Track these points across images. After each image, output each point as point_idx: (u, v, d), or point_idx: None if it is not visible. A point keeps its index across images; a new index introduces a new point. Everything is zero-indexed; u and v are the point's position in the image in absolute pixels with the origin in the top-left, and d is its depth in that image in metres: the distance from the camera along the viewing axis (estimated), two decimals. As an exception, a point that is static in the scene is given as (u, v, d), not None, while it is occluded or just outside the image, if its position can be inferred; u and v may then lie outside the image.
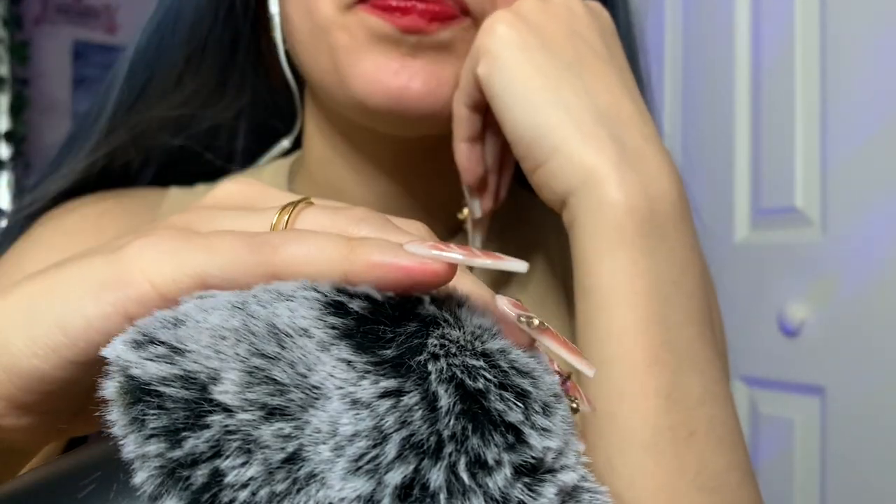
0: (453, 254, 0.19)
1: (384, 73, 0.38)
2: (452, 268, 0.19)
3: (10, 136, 2.28)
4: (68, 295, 0.20)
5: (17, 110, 2.29)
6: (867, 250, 1.02)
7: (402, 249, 0.19)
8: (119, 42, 2.42)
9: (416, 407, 0.17)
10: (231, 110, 0.49)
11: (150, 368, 0.18)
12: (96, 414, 0.19)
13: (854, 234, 1.03)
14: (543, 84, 0.36)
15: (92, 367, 0.21)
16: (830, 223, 1.06)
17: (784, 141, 1.13)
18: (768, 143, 1.16)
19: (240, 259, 0.20)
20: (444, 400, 0.18)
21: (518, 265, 0.20)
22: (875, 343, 1.00)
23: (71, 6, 2.42)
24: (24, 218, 0.47)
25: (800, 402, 1.10)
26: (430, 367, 0.18)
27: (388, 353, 0.18)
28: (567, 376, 0.22)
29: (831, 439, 1.05)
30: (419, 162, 0.44)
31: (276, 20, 0.44)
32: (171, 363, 0.18)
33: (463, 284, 0.21)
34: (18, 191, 2.25)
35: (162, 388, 0.17)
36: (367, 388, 0.17)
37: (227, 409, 0.17)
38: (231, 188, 0.25)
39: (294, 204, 0.22)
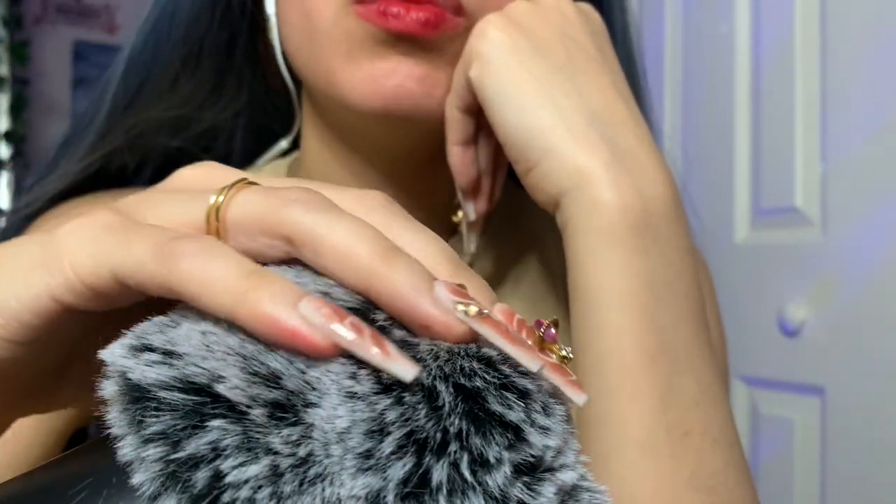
0: (344, 334, 0.18)
1: (378, 76, 0.38)
2: (335, 347, 0.18)
3: (9, 136, 2.28)
4: (3, 276, 0.21)
5: (16, 110, 2.29)
6: (867, 250, 1.01)
7: (294, 308, 0.18)
8: (119, 42, 2.40)
9: (419, 404, 0.17)
10: (229, 111, 0.49)
11: (148, 374, 0.18)
12: (95, 414, 0.19)
13: (854, 234, 1.03)
14: (535, 87, 0.36)
15: (33, 348, 0.21)
16: (830, 223, 1.06)
17: (784, 141, 1.13)
18: (768, 143, 1.16)
19: (145, 266, 0.19)
20: (447, 398, 0.18)
21: (407, 371, 0.18)
22: (875, 343, 1.00)
23: (71, 6, 2.42)
24: (22, 219, 0.47)
25: (800, 402, 1.10)
26: (430, 364, 0.18)
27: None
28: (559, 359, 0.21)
29: (831, 439, 1.04)
30: (415, 164, 0.44)
31: (273, 21, 0.44)
32: (169, 366, 0.18)
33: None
34: (18, 191, 2.25)
35: (161, 394, 0.17)
36: (365, 384, 0.17)
37: (231, 409, 0.17)
38: (187, 172, 0.24)
39: (231, 186, 0.21)
